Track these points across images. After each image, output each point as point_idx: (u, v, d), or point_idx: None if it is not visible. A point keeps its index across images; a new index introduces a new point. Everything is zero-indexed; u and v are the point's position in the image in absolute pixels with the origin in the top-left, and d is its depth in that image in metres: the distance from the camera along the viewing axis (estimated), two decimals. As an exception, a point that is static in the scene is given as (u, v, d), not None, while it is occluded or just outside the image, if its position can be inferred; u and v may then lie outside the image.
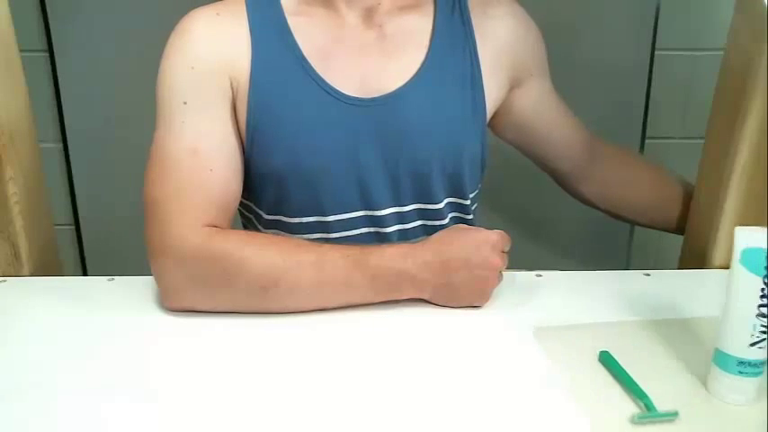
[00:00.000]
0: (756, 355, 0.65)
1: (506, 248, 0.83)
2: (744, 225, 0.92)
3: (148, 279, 0.84)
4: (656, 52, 1.48)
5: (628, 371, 0.70)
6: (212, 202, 0.84)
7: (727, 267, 0.93)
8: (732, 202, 0.92)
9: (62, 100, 1.50)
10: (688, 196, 1.05)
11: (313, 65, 0.88)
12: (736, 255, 0.65)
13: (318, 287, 0.80)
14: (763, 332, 0.64)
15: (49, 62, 1.48)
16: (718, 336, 0.67)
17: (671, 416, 0.64)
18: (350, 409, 0.67)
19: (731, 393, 0.67)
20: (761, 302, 0.64)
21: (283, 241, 0.84)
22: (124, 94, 1.45)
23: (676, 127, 1.54)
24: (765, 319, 0.64)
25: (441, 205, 0.95)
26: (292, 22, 0.89)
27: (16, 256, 0.94)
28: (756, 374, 0.66)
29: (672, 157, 1.52)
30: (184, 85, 0.85)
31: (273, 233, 0.94)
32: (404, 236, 0.94)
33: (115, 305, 0.85)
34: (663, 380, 0.70)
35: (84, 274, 1.64)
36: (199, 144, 0.84)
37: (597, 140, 1.09)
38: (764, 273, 0.63)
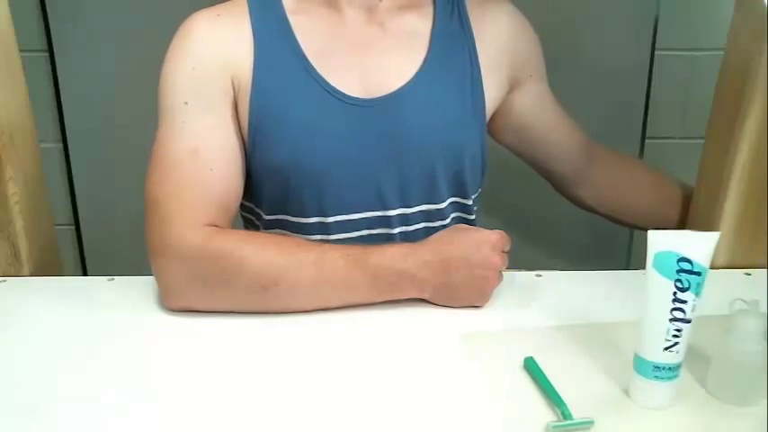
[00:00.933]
0: (670, 359, 0.64)
1: (506, 248, 0.83)
2: (744, 225, 0.93)
3: (148, 279, 0.84)
4: (656, 52, 1.48)
5: (556, 377, 0.68)
6: (213, 202, 0.84)
7: (728, 267, 0.95)
8: (732, 202, 0.92)
9: (62, 100, 1.50)
10: (687, 200, 1.05)
11: (314, 65, 0.88)
12: (649, 258, 0.63)
13: (318, 286, 0.80)
14: (677, 336, 0.64)
15: (49, 62, 1.48)
16: (637, 341, 0.66)
17: (586, 423, 0.63)
18: (349, 408, 0.67)
19: (649, 399, 0.66)
20: (673, 306, 0.63)
21: (284, 240, 0.85)
22: (124, 94, 1.45)
23: (676, 127, 1.54)
24: (678, 323, 0.63)
25: (444, 205, 0.95)
26: (294, 21, 0.89)
27: (16, 256, 0.94)
28: (671, 378, 0.65)
29: (672, 157, 1.52)
30: (186, 85, 0.85)
31: (274, 234, 0.94)
32: (406, 237, 0.94)
33: (115, 305, 0.85)
34: (587, 385, 0.69)
35: (84, 274, 1.64)
36: (199, 144, 0.84)
37: (595, 144, 1.09)
38: (676, 277, 0.62)
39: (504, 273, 0.84)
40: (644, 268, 0.93)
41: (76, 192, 1.58)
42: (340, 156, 0.89)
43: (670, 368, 0.65)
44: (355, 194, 0.91)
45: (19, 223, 0.93)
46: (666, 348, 0.64)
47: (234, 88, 0.87)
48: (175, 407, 0.67)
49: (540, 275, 0.91)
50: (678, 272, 0.62)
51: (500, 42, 0.95)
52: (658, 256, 0.63)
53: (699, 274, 0.63)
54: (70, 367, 0.73)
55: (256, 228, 0.98)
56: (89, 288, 0.90)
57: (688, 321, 0.64)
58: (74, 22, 1.45)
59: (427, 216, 0.95)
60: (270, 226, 0.94)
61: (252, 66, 0.87)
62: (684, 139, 1.54)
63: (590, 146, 1.08)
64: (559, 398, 0.66)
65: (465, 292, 0.82)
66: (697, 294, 0.63)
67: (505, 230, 0.84)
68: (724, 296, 0.90)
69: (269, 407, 0.67)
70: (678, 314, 0.63)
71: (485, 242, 0.81)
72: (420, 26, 0.93)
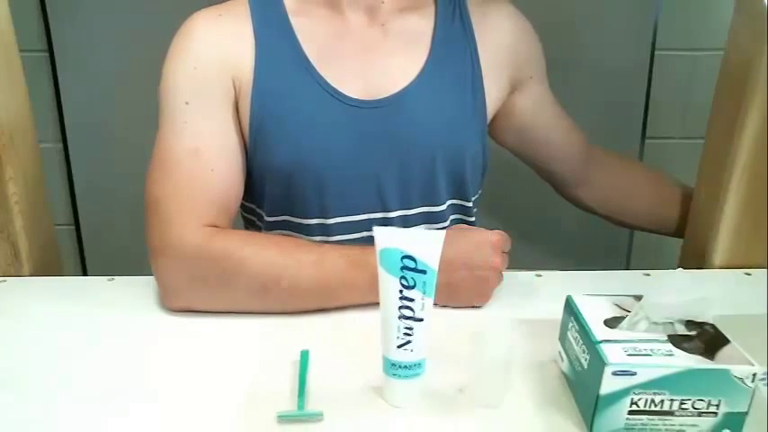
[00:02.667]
0: (405, 357, 0.64)
1: (507, 249, 0.83)
2: (743, 225, 0.93)
3: (148, 279, 0.84)
4: (656, 52, 1.48)
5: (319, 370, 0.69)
6: (213, 202, 0.84)
7: (728, 267, 0.95)
8: (732, 202, 0.92)
9: (62, 100, 1.50)
10: (686, 200, 1.05)
11: (315, 66, 0.88)
12: (377, 256, 0.63)
13: (318, 287, 0.80)
14: (408, 334, 0.63)
15: (49, 62, 1.48)
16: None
17: (315, 415, 0.64)
18: (348, 408, 0.67)
19: (390, 396, 0.66)
20: (401, 304, 0.63)
21: (284, 241, 0.84)
22: (124, 94, 1.45)
23: (676, 127, 1.54)
24: (408, 321, 0.63)
25: (444, 207, 0.95)
26: (295, 22, 0.89)
27: (16, 256, 0.94)
28: (408, 377, 0.65)
29: (672, 157, 1.52)
30: (187, 85, 0.85)
31: (275, 234, 0.94)
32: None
33: (115, 305, 0.84)
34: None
35: (84, 274, 1.64)
36: (200, 144, 0.84)
37: (594, 145, 1.09)
38: (401, 274, 0.62)
39: (504, 273, 0.84)
40: (644, 268, 0.93)
41: (76, 192, 1.58)
42: (341, 157, 0.89)
43: (406, 366, 0.64)
44: (356, 196, 0.91)
45: (19, 223, 0.93)
46: (400, 346, 0.64)
47: (235, 88, 0.87)
48: (175, 407, 0.67)
49: (540, 275, 0.91)
50: (402, 269, 0.62)
51: (501, 44, 0.95)
52: (383, 252, 0.62)
53: (424, 272, 0.62)
54: (70, 367, 0.73)
55: (258, 229, 0.98)
56: (89, 288, 0.90)
57: (419, 320, 0.63)
58: (74, 22, 1.45)
59: (427, 218, 0.95)
60: (271, 227, 0.94)
61: (253, 66, 0.87)
62: (684, 139, 1.54)
63: (590, 147, 1.08)
64: (302, 390, 0.66)
65: (465, 293, 0.82)
66: (425, 293, 0.63)
67: (505, 231, 0.84)
68: (724, 296, 0.90)
69: (268, 407, 0.67)
70: (407, 312, 0.63)
71: (485, 243, 0.81)
72: (421, 27, 0.93)
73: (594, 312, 0.66)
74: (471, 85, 0.93)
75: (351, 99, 0.88)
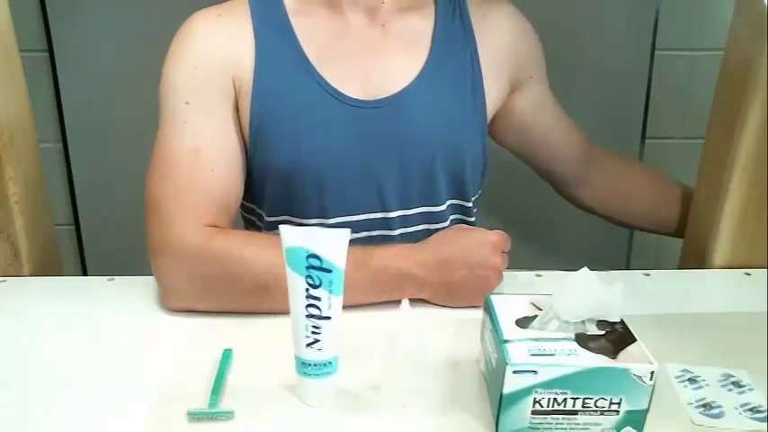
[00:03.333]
0: (314, 356, 0.64)
1: (507, 249, 0.83)
2: (744, 225, 0.93)
3: (148, 279, 0.84)
4: (656, 52, 1.48)
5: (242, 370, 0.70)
6: (213, 202, 0.84)
7: (728, 267, 0.95)
8: (732, 202, 0.92)
9: (62, 100, 1.50)
10: (686, 200, 1.05)
11: (315, 66, 0.88)
12: (284, 254, 0.63)
13: (318, 287, 0.80)
14: (316, 333, 0.63)
15: (48, 62, 1.48)
16: None
17: (225, 414, 0.64)
18: (348, 408, 0.67)
19: (304, 395, 0.66)
20: (308, 302, 0.63)
21: (284, 241, 0.84)
22: (124, 94, 1.45)
23: (676, 127, 1.54)
24: (315, 320, 0.63)
25: (443, 207, 0.95)
26: (295, 22, 0.89)
27: (16, 256, 0.94)
28: (319, 376, 0.65)
29: (672, 157, 1.52)
30: (187, 85, 0.85)
31: (275, 234, 0.94)
32: (407, 239, 0.94)
33: (115, 305, 0.84)
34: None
35: (84, 274, 1.64)
36: (200, 144, 0.84)
37: (594, 145, 1.09)
38: (306, 273, 0.62)
39: (504, 273, 0.83)
40: (644, 268, 0.93)
41: (76, 192, 1.58)
42: (341, 157, 0.89)
43: (316, 365, 0.64)
44: (356, 196, 0.91)
45: (19, 223, 0.93)
46: (308, 345, 0.64)
47: (235, 88, 0.87)
48: (175, 407, 0.67)
49: (540, 275, 0.91)
50: (308, 268, 0.62)
51: (501, 44, 0.95)
52: (289, 251, 0.62)
53: (329, 271, 0.62)
54: (70, 367, 0.73)
55: (258, 229, 0.98)
56: (89, 288, 0.90)
57: (327, 318, 0.63)
58: (74, 22, 1.45)
59: (427, 218, 0.95)
60: (271, 227, 0.94)
61: (253, 66, 0.87)
62: (684, 139, 1.54)
63: (590, 147, 1.08)
64: (216, 389, 0.66)
65: (465, 293, 0.82)
66: (332, 292, 0.63)
67: (505, 231, 0.84)
68: (724, 296, 0.91)
69: (268, 406, 0.67)
70: (314, 311, 0.63)
71: (485, 242, 0.81)
72: (421, 27, 0.92)
73: (510, 312, 0.66)
74: (471, 86, 0.93)
75: (351, 99, 0.88)
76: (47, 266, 0.99)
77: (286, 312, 0.79)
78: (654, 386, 0.59)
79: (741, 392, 0.67)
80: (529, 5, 0.99)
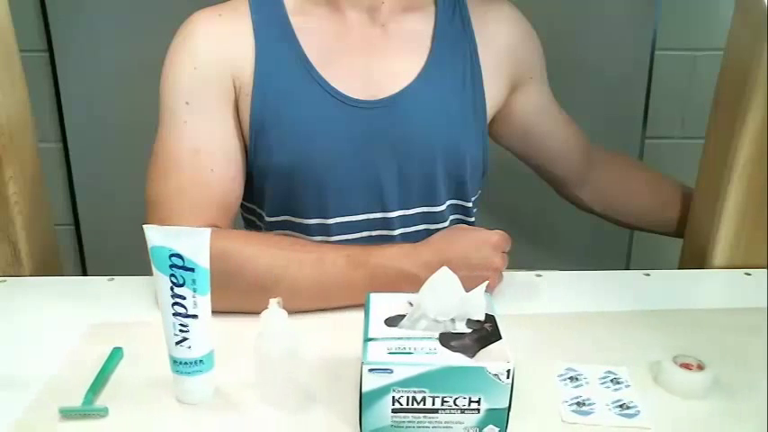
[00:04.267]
0: (183, 354, 0.65)
1: (507, 249, 0.83)
2: (744, 225, 0.93)
3: (148, 279, 0.84)
4: (656, 52, 1.48)
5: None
6: (213, 202, 0.84)
7: (728, 267, 0.95)
8: (732, 202, 0.92)
9: (62, 100, 1.50)
10: (686, 200, 1.05)
11: (315, 66, 0.88)
12: (149, 253, 0.63)
13: (319, 286, 0.80)
14: (183, 331, 0.64)
15: (49, 62, 1.48)
16: None
17: (99, 411, 0.64)
18: (348, 408, 0.67)
19: (179, 393, 0.67)
20: (173, 301, 0.63)
21: (284, 241, 0.84)
22: (124, 94, 1.45)
23: (676, 127, 1.54)
24: (182, 319, 0.63)
25: (443, 207, 0.95)
26: (295, 22, 0.89)
27: (16, 256, 0.94)
28: (191, 374, 0.65)
29: (672, 157, 1.52)
30: (187, 85, 0.85)
31: (275, 234, 0.94)
32: (407, 239, 0.94)
33: (115, 305, 0.84)
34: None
35: (84, 274, 1.64)
36: (200, 144, 0.84)
37: (595, 145, 1.09)
38: (170, 272, 0.62)
39: (504, 273, 0.83)
40: (644, 268, 0.93)
41: (76, 192, 1.58)
42: (341, 157, 0.89)
43: (187, 363, 0.65)
44: (356, 196, 0.91)
45: (19, 223, 0.93)
46: (178, 343, 0.64)
47: (235, 88, 0.87)
48: (175, 407, 0.67)
49: (540, 275, 0.91)
50: (171, 267, 0.62)
51: (501, 44, 0.95)
52: (153, 251, 0.63)
53: (192, 270, 0.62)
54: (70, 367, 0.73)
55: (258, 229, 0.98)
56: (89, 288, 0.90)
57: (194, 317, 0.64)
58: (74, 22, 1.45)
59: (427, 218, 0.95)
60: (271, 227, 0.94)
61: (253, 66, 0.87)
62: (684, 139, 1.54)
63: (590, 147, 1.08)
64: (92, 388, 0.67)
65: (465, 293, 0.82)
66: (196, 291, 0.63)
67: (505, 230, 0.84)
68: (724, 296, 0.91)
69: (268, 406, 0.67)
70: (179, 309, 0.63)
71: (485, 242, 0.81)
72: (422, 28, 0.92)
73: (385, 310, 0.66)
74: (471, 86, 0.93)
75: (351, 99, 0.88)
76: (47, 266, 0.99)
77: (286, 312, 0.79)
78: (512, 384, 0.59)
79: (617, 389, 0.68)
80: (529, 6, 0.99)
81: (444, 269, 0.64)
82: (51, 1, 1.44)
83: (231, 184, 0.87)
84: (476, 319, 0.64)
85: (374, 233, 0.93)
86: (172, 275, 0.63)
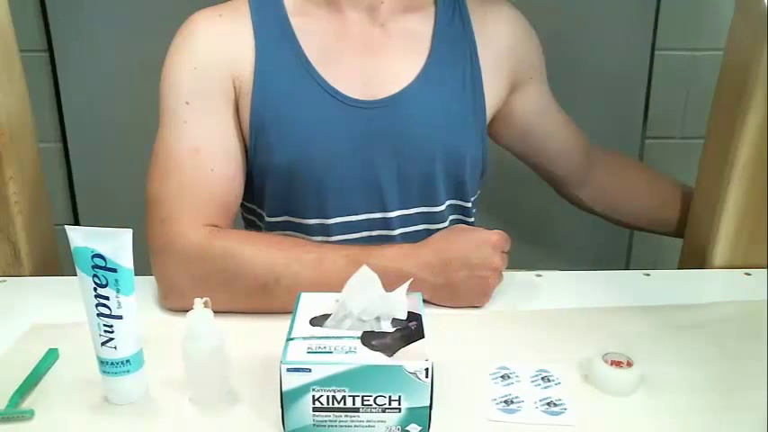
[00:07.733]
0: (109, 354, 0.65)
1: (507, 249, 0.83)
2: (744, 225, 0.93)
3: (148, 279, 0.84)
4: (656, 52, 1.48)
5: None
6: (213, 202, 0.84)
7: (728, 267, 0.95)
8: (732, 202, 0.92)
9: (62, 100, 1.50)
10: (686, 200, 1.05)
11: (315, 66, 0.88)
12: (73, 254, 0.63)
13: (319, 286, 0.79)
14: (108, 332, 0.64)
15: (49, 62, 1.48)
16: None
17: (24, 413, 0.64)
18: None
19: (109, 394, 0.67)
20: (97, 302, 0.63)
21: (284, 240, 0.85)
22: (124, 94, 1.45)
23: (676, 127, 1.54)
24: (106, 319, 0.64)
25: (442, 207, 0.95)
26: (295, 22, 0.89)
27: (16, 256, 0.94)
28: (118, 374, 0.65)
29: (672, 157, 1.52)
30: (187, 85, 0.85)
31: (275, 234, 0.94)
32: (407, 239, 0.94)
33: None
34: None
35: (84, 274, 1.64)
36: (200, 144, 0.84)
37: (595, 145, 1.09)
38: (93, 272, 0.62)
39: (504, 273, 0.83)
40: (644, 268, 0.93)
41: (76, 192, 1.58)
42: (341, 157, 0.89)
43: (113, 363, 0.65)
44: (355, 196, 0.91)
45: (19, 223, 0.93)
46: (103, 344, 0.64)
47: (235, 88, 0.87)
48: (175, 407, 0.67)
49: (540, 275, 0.91)
50: (94, 267, 0.62)
51: (501, 44, 0.95)
52: (75, 251, 0.62)
53: (114, 270, 0.63)
54: (69, 367, 0.73)
55: (258, 228, 0.98)
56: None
57: (118, 317, 0.64)
58: (74, 22, 1.45)
59: (426, 218, 0.95)
60: (271, 227, 0.94)
61: (253, 66, 0.87)
62: (684, 139, 1.54)
63: (590, 147, 1.08)
64: (18, 391, 0.67)
65: (465, 293, 0.82)
66: (119, 292, 0.63)
67: (505, 230, 0.84)
68: (724, 296, 0.91)
69: (268, 406, 0.67)
70: (104, 310, 0.63)
71: (485, 242, 0.81)
72: (421, 28, 0.92)
73: (312, 309, 0.66)
74: (471, 86, 0.93)
75: (350, 99, 0.88)
76: (47, 266, 0.99)
77: (286, 311, 0.79)
78: (432, 383, 0.58)
79: (546, 387, 0.68)
80: (529, 6, 0.99)
81: (364, 267, 0.64)
82: (51, 1, 1.44)
83: (231, 183, 0.87)
84: (399, 317, 0.64)
85: (374, 233, 0.93)
86: (95, 276, 0.63)
